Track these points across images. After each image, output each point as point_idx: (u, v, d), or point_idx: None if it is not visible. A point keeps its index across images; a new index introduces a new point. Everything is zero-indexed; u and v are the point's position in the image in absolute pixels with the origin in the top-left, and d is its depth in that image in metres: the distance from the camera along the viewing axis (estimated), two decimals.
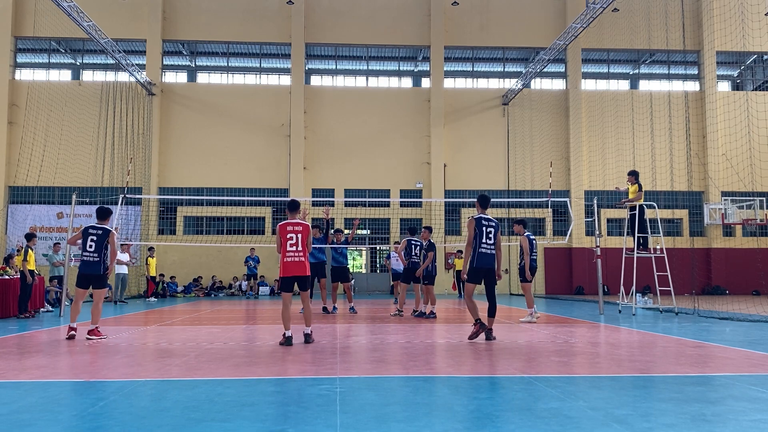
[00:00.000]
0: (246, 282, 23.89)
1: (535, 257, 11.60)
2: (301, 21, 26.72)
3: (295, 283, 7.89)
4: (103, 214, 9.02)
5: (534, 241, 11.62)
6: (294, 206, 8.18)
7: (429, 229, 12.86)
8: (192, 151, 26.18)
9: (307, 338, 7.86)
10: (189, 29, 26.89)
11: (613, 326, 10.37)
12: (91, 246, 8.77)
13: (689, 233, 26.63)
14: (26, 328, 10.35)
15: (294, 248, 7.74)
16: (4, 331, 9.77)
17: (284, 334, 7.72)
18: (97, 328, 8.60)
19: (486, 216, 8.27)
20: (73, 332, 8.44)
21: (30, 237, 13.48)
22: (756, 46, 25.70)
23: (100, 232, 8.83)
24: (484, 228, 8.10)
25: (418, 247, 12.69)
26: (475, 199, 8.57)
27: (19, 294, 12.80)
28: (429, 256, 12.38)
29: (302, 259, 7.77)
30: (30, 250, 13.16)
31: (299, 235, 7.78)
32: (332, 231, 14.30)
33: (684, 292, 20.50)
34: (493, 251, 8.15)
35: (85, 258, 8.76)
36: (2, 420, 3.90)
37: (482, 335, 8.21)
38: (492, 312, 8.26)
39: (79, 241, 8.99)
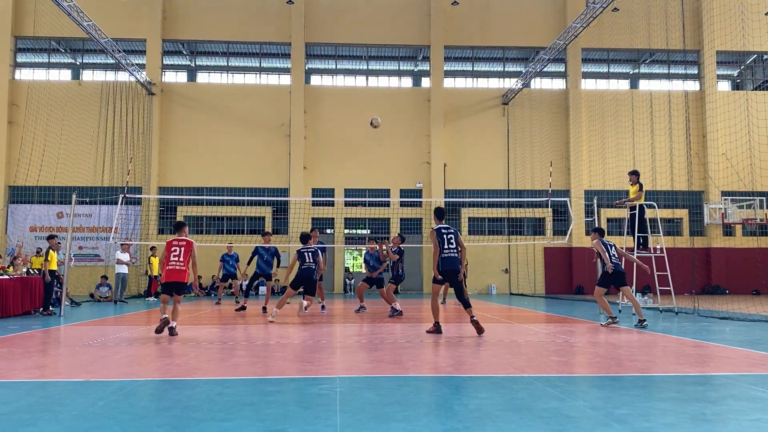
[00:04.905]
0: (228, 283, 18.58)
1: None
2: (301, 21, 26.72)
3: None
4: None
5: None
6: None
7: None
8: (192, 151, 26.18)
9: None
10: (189, 29, 26.89)
11: (613, 326, 10.37)
12: None
13: (689, 233, 26.63)
14: (28, 327, 10.35)
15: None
16: (4, 330, 9.77)
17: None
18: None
19: (444, 225, 9.26)
20: None
21: (50, 238, 14.18)
22: (756, 46, 25.70)
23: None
24: (444, 236, 9.06)
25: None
26: (433, 213, 9.57)
27: (43, 293, 13.71)
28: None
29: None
30: (51, 251, 13.88)
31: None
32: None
33: (684, 292, 20.50)
34: (455, 254, 9.02)
35: None
36: (2, 420, 3.90)
37: (473, 329, 8.89)
38: (466, 305, 9.01)
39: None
